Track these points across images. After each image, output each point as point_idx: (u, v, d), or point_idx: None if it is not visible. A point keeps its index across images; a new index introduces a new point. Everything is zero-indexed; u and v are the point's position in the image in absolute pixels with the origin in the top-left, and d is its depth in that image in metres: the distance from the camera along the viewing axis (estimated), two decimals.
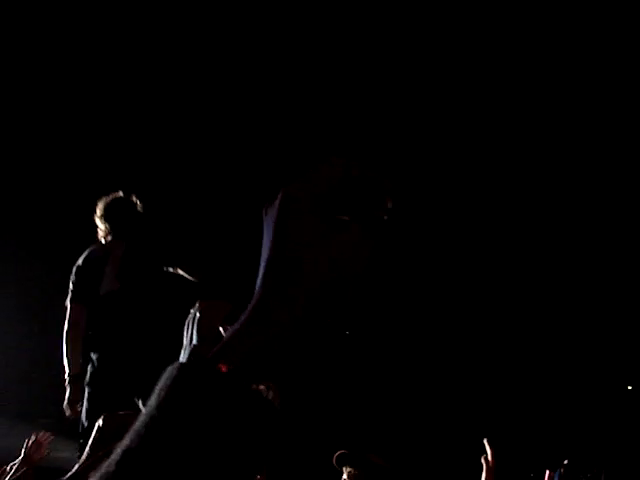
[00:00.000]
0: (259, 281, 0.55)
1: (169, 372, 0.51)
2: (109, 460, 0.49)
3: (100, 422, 1.33)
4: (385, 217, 0.56)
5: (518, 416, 7.26)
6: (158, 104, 5.14)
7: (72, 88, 5.04)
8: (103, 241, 3.74)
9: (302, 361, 0.55)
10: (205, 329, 0.95)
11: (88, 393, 3.42)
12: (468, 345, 6.98)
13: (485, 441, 3.27)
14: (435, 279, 6.45)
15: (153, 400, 0.50)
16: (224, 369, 0.50)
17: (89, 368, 3.48)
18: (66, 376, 3.47)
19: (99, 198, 3.77)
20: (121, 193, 3.80)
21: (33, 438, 3.03)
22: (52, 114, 5.21)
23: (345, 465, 3.17)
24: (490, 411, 7.22)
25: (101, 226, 3.70)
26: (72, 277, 3.62)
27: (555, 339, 7.08)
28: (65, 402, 3.45)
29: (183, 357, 0.97)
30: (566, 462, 5.08)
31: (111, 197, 3.77)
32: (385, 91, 5.05)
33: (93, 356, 3.46)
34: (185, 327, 1.00)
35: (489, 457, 3.22)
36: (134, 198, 3.79)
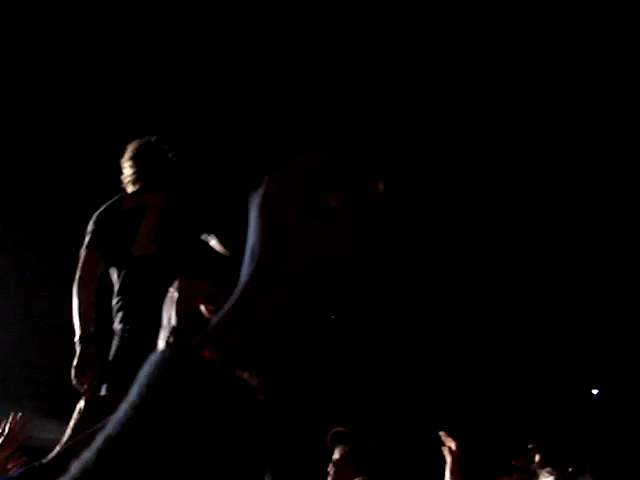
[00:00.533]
0: (244, 267, 0.55)
1: (152, 359, 0.50)
2: (90, 448, 0.48)
3: (82, 404, 1.31)
4: (371, 203, 0.56)
5: (495, 403, 7.36)
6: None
7: (68, 81, 4.99)
8: (129, 190, 3.16)
9: (288, 347, 0.55)
10: (184, 308, 0.94)
11: (110, 372, 2.85)
12: (454, 332, 7.04)
13: (442, 433, 3.31)
14: (421, 266, 6.50)
15: (135, 388, 0.49)
16: (208, 356, 0.50)
17: (114, 342, 2.92)
18: (76, 338, 2.89)
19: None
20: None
21: (13, 418, 2.94)
22: (50, 107, 5.15)
23: (338, 444, 3.19)
24: (472, 397, 7.31)
25: (129, 171, 3.14)
26: (91, 225, 3.07)
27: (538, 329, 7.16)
28: (72, 370, 2.85)
29: (162, 337, 0.96)
30: (530, 446, 5.15)
31: (145, 139, 3.18)
32: (377, 88, 5.05)
33: (120, 328, 2.90)
34: (164, 307, 0.99)
35: (453, 447, 3.27)
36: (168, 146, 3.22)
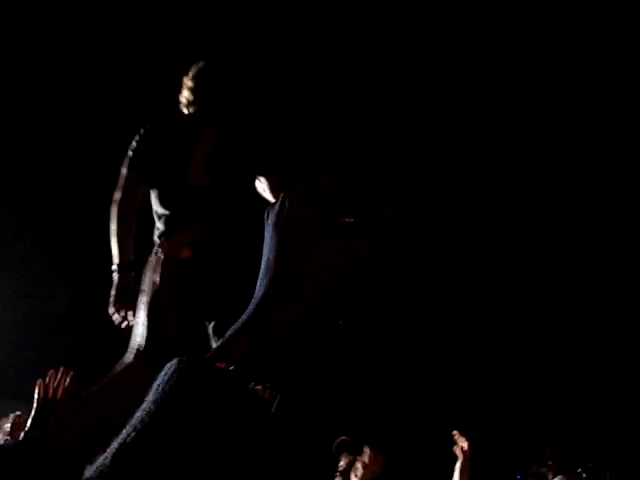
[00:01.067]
0: (260, 281, 0.56)
1: (167, 368, 0.52)
2: (105, 453, 0.49)
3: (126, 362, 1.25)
4: (387, 220, 0.57)
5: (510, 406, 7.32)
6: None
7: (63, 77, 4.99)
8: (185, 111, 2.80)
9: (303, 360, 0.56)
10: (167, 272, 0.89)
11: None
12: (463, 337, 7.02)
13: (455, 433, 3.34)
14: (430, 272, 6.48)
15: (151, 396, 0.50)
16: (223, 367, 0.51)
17: None
18: (113, 265, 2.61)
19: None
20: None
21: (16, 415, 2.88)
22: (49, 103, 5.16)
23: (343, 453, 3.21)
24: (483, 401, 7.27)
25: (187, 94, 2.76)
26: (134, 143, 2.70)
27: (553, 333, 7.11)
28: (110, 299, 2.56)
29: (141, 301, 0.93)
30: (545, 450, 5.09)
31: (215, 64, 2.78)
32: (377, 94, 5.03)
33: None
34: (147, 267, 0.95)
35: (465, 447, 3.30)
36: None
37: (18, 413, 2.99)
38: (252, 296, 0.56)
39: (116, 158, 2.75)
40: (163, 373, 0.52)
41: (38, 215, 5.92)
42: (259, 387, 0.50)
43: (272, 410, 0.51)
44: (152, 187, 2.66)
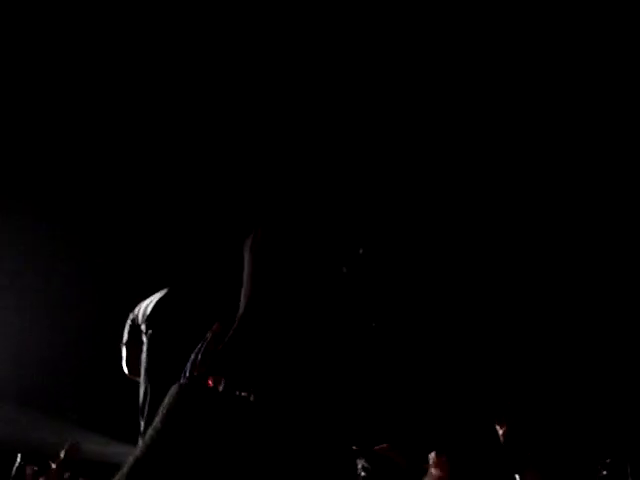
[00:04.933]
0: (240, 302, 0.67)
1: (170, 391, 0.62)
2: (124, 466, 0.60)
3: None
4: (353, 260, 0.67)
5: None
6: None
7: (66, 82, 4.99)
8: None
9: (283, 367, 0.65)
10: (208, 349, 1.00)
11: None
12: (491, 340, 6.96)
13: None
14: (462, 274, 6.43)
15: (158, 417, 0.61)
16: (212, 383, 0.61)
17: None
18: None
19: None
20: None
21: (70, 444, 3.14)
22: (51, 109, 5.18)
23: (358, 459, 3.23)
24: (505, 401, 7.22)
25: None
26: None
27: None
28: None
29: (187, 368, 1.04)
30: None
31: None
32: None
33: None
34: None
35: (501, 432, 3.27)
36: None
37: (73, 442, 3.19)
38: None
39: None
40: (168, 396, 0.62)
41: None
42: (245, 393, 0.60)
43: (260, 412, 0.61)
44: None
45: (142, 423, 2.89)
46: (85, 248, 6.06)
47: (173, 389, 0.60)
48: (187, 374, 1.01)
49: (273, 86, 4.69)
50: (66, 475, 3.08)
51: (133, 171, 5.32)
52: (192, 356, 1.03)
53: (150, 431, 0.59)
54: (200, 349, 1.04)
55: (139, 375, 2.75)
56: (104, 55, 4.86)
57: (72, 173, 5.57)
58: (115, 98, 5.13)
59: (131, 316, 2.88)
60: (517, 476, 3.90)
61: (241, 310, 0.63)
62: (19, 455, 3.42)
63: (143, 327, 2.89)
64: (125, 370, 2.82)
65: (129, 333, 2.90)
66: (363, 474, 3.24)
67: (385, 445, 3.32)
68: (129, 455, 0.61)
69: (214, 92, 5.05)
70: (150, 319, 2.75)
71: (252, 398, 0.62)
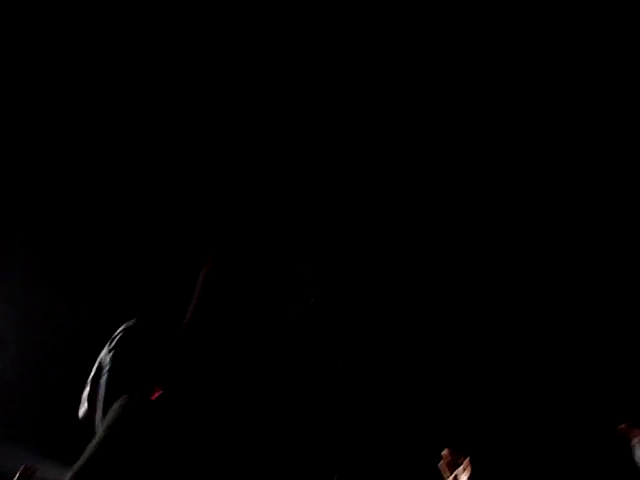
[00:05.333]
0: (186, 320, 0.76)
1: (115, 403, 0.70)
2: (76, 464, 0.68)
3: None
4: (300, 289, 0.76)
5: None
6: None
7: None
8: None
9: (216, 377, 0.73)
10: None
11: None
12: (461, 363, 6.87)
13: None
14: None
15: (103, 425, 0.69)
16: (154, 397, 0.69)
17: None
18: None
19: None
20: None
21: (24, 467, 3.11)
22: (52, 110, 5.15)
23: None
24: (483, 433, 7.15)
25: None
26: None
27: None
28: None
29: None
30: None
31: None
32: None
33: None
34: None
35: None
36: None
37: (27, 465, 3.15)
38: None
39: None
40: (112, 407, 0.70)
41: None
42: (186, 404, 0.68)
43: (198, 419, 0.68)
44: None
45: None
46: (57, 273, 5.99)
47: (118, 400, 0.68)
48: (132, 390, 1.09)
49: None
50: None
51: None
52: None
53: (100, 433, 0.68)
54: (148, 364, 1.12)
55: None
56: (96, 54, 4.85)
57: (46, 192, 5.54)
58: (111, 101, 5.10)
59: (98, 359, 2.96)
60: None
61: (185, 326, 0.72)
62: None
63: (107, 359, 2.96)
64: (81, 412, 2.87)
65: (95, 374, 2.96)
66: None
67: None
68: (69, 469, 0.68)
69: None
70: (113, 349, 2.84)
71: (184, 407, 0.70)
